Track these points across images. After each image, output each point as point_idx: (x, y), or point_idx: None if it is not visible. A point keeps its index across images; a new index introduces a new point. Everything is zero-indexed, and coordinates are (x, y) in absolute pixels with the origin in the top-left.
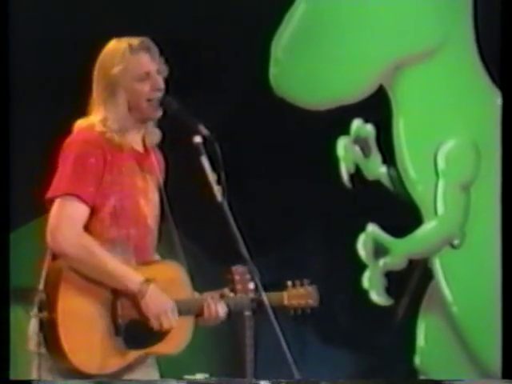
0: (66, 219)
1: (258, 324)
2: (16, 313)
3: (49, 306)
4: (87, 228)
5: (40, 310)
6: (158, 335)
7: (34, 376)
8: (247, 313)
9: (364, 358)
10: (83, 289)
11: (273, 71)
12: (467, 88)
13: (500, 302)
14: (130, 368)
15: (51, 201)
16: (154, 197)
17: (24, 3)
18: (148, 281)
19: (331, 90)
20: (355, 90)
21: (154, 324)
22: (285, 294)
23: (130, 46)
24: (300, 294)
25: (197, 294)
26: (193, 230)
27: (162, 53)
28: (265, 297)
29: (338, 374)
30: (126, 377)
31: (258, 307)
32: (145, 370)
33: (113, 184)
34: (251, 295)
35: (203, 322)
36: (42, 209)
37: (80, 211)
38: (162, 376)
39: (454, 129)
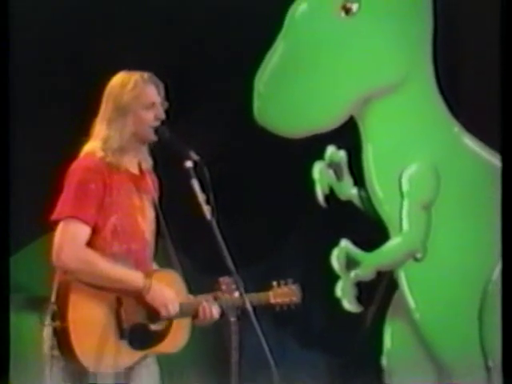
0: (69, 239)
1: (242, 329)
2: (15, 319)
3: (61, 316)
4: (92, 246)
5: (53, 319)
6: (159, 336)
7: (46, 375)
8: (233, 319)
9: (337, 359)
10: (90, 298)
11: (256, 104)
12: (428, 118)
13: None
14: (135, 366)
15: (55, 222)
16: (150, 214)
17: (24, 22)
18: (149, 277)
19: (307, 121)
20: (329, 120)
21: (162, 312)
22: (271, 294)
23: (142, 77)
24: (284, 293)
25: (192, 297)
26: (184, 245)
27: (166, 88)
28: (249, 305)
29: (314, 373)
30: (132, 374)
31: (243, 314)
32: (148, 367)
33: (112, 205)
34: (236, 303)
35: (199, 322)
36: (41, 230)
37: (81, 231)
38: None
39: (416, 154)
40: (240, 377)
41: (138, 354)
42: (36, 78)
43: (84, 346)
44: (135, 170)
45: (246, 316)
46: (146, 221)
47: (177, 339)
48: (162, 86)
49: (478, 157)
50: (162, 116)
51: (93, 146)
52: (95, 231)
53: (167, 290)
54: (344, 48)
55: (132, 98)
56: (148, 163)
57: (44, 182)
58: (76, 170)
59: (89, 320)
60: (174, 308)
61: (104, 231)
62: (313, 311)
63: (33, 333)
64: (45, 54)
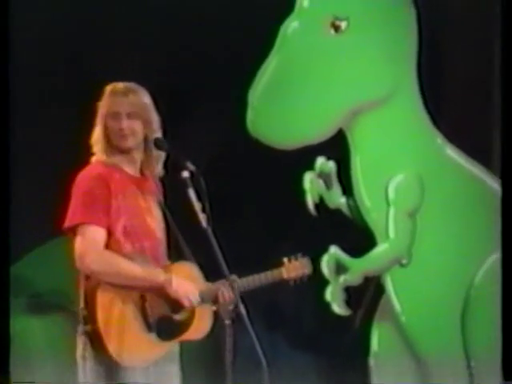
0: (89, 243)
1: (236, 331)
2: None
3: (91, 319)
4: (107, 248)
5: (85, 323)
6: (185, 325)
7: (80, 376)
8: (227, 322)
9: (326, 359)
10: (116, 299)
11: (249, 117)
12: (413, 130)
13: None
14: (160, 361)
15: (68, 230)
16: (157, 213)
17: (24, 22)
18: (168, 271)
19: (299, 133)
20: (319, 132)
21: (185, 303)
22: (283, 270)
23: (113, 88)
24: (296, 267)
25: (210, 284)
26: (180, 251)
27: (156, 102)
28: (243, 309)
29: (305, 373)
30: (159, 369)
31: (237, 317)
32: (169, 365)
33: (120, 208)
34: (231, 307)
35: (220, 307)
36: (42, 232)
37: (99, 234)
38: None
39: (401, 165)
40: (234, 377)
41: (167, 345)
42: (36, 78)
43: (116, 343)
44: (136, 174)
45: (240, 319)
46: (155, 220)
47: (201, 326)
48: (138, 97)
49: (460, 167)
50: (123, 126)
51: (94, 153)
52: (108, 234)
53: (187, 282)
54: (333, 64)
55: (101, 107)
56: (151, 169)
57: (44, 182)
58: (80, 180)
59: (117, 319)
60: (195, 297)
61: (116, 233)
62: (304, 314)
63: (34, 333)
64: (45, 54)
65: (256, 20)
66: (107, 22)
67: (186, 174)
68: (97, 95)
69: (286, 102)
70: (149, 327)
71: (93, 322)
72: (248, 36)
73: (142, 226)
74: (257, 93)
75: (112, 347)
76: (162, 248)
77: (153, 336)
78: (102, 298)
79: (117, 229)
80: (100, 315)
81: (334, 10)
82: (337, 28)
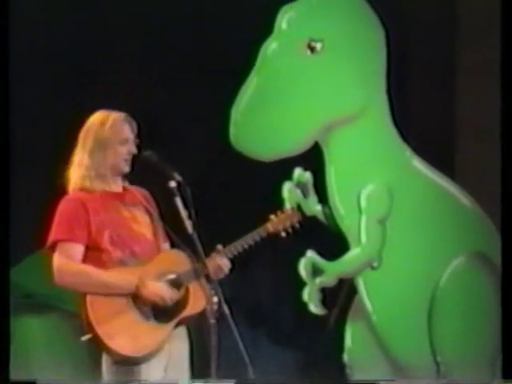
0: (64, 259)
1: (221, 330)
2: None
3: (89, 327)
4: (97, 260)
5: (87, 333)
6: (182, 303)
7: (104, 376)
8: (212, 321)
9: (304, 355)
10: (107, 302)
11: (232, 131)
12: (383, 143)
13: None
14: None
15: (49, 249)
16: (145, 220)
17: (24, 22)
18: (140, 277)
19: (278, 146)
20: (296, 145)
21: (160, 303)
22: (268, 224)
23: (120, 116)
24: (282, 219)
25: (198, 263)
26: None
27: (138, 127)
28: (226, 309)
29: (284, 368)
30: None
31: (222, 317)
32: (178, 341)
33: (102, 222)
34: (215, 307)
35: (213, 279)
36: (41, 239)
37: (74, 250)
38: None
39: (372, 175)
40: (219, 371)
41: (170, 324)
42: (36, 78)
43: (119, 341)
44: (118, 189)
45: (224, 319)
46: (142, 226)
47: (199, 299)
48: (135, 124)
49: (426, 177)
50: (134, 151)
51: (75, 177)
52: (95, 248)
53: (156, 284)
54: (309, 82)
55: (111, 134)
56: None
57: (44, 183)
58: (59, 204)
59: (113, 320)
60: (167, 296)
61: (103, 244)
62: (283, 313)
63: (33, 333)
64: (45, 54)
65: (238, 42)
66: (107, 22)
67: (173, 183)
68: (96, 94)
69: (266, 118)
70: (145, 315)
71: (91, 329)
72: (232, 56)
73: (129, 233)
74: (239, 109)
75: (117, 346)
76: (156, 249)
77: (152, 322)
78: (92, 307)
79: (103, 240)
80: (94, 322)
81: (310, 32)
82: (312, 49)
